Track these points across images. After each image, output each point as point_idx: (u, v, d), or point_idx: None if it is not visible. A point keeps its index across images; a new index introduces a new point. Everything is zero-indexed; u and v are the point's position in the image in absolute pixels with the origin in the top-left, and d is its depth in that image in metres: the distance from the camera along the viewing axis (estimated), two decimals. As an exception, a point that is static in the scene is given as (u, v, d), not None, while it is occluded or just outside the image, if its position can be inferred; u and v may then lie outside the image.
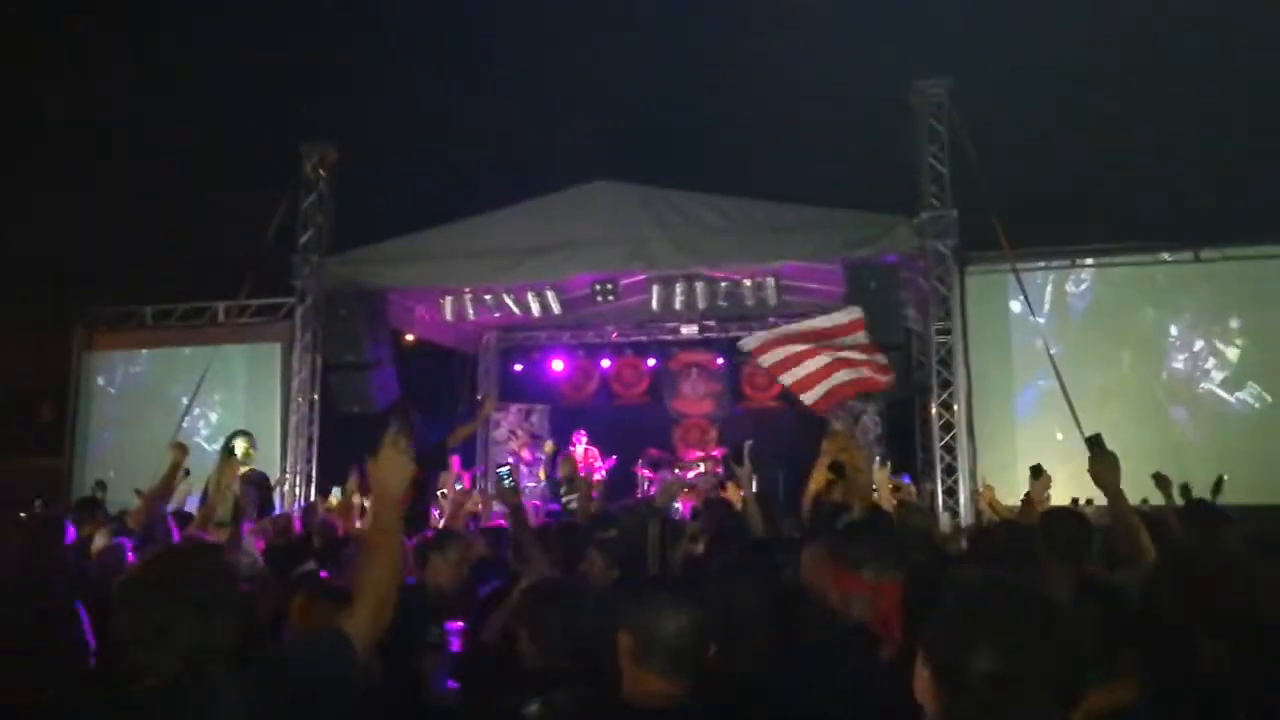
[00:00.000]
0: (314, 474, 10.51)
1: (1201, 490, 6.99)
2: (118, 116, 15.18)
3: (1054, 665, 1.30)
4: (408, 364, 11.39)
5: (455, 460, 10.06)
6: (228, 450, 7.55)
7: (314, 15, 16.13)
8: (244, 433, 7.77)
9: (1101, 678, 2.33)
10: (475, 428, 6.95)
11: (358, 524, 6.66)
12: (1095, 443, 3.34)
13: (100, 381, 12.03)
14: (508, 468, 11.83)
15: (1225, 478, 6.99)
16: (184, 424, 10.81)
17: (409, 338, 12.16)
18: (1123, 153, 12.54)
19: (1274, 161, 11.89)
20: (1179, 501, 7.26)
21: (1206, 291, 9.47)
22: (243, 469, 7.38)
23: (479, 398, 12.52)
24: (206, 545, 4.05)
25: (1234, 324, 9.36)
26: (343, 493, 7.92)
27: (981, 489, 8.48)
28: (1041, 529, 3.34)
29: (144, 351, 12.02)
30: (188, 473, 5.78)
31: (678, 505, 11.30)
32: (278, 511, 8.15)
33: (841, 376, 7.03)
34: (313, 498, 9.67)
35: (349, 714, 1.91)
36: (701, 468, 12.85)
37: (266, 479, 9.15)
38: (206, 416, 11.55)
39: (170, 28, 16.09)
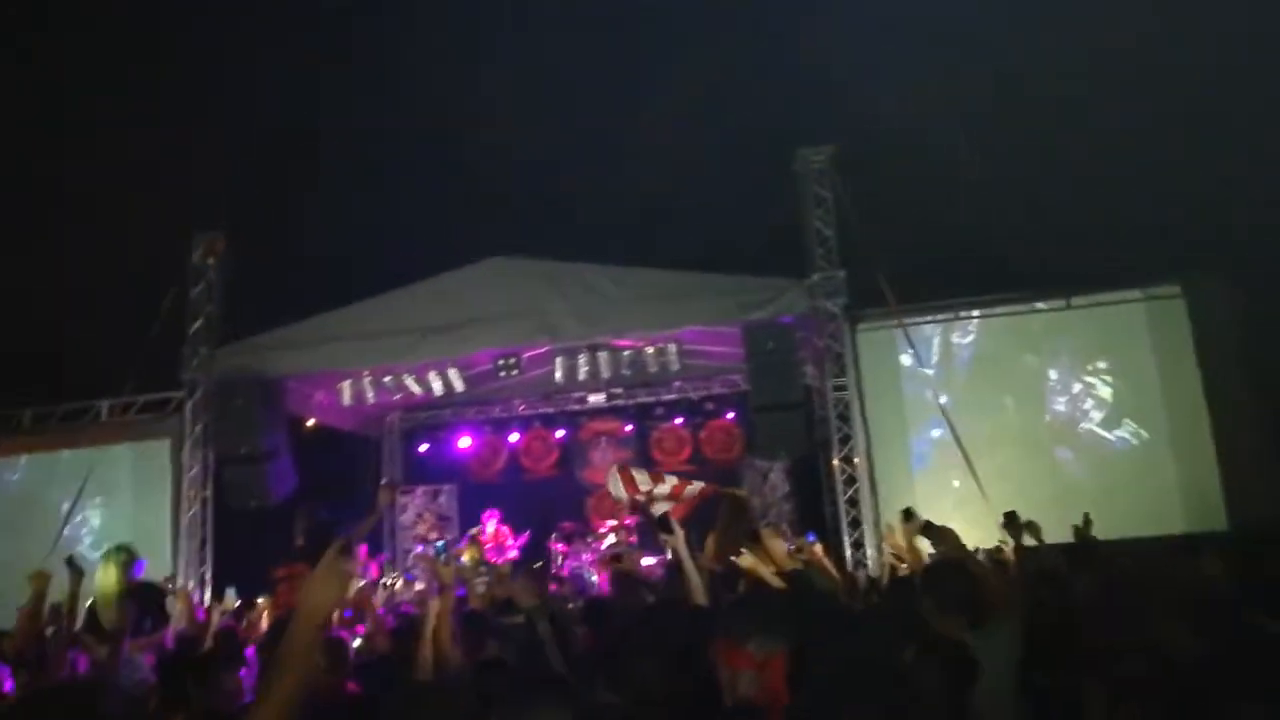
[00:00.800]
0: (209, 576, 10.01)
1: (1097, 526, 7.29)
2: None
3: None
4: (307, 451, 11.05)
5: (361, 550, 9.75)
6: (106, 559, 7.14)
7: (201, 99, 15.89)
8: (119, 548, 7.33)
9: None
10: (374, 520, 6.76)
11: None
12: (908, 515, 3.52)
13: (-26, 491, 11.28)
14: (443, 542, 11.50)
15: (1088, 515, 7.34)
16: (65, 531, 10.24)
17: (309, 423, 11.83)
18: (996, 207, 13.26)
19: (1133, 213, 12.76)
20: (1032, 541, 7.53)
21: (1080, 336, 10.00)
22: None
23: (382, 483, 12.21)
24: (74, 687, 3.79)
25: (1105, 365, 9.90)
26: (235, 594, 7.59)
27: (885, 533, 8.66)
28: (924, 585, 3.42)
29: (23, 457, 11.35)
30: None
31: (594, 579, 11.19)
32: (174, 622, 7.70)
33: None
34: (208, 601, 9.19)
35: None
36: (614, 538, 12.75)
37: (152, 589, 8.63)
38: (89, 522, 10.93)
39: (45, 112, 15.59)
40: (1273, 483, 9.13)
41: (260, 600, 7.45)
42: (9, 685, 4.78)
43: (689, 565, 4.29)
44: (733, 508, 6.45)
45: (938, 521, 7.15)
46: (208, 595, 9.86)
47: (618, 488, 7.23)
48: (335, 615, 2.10)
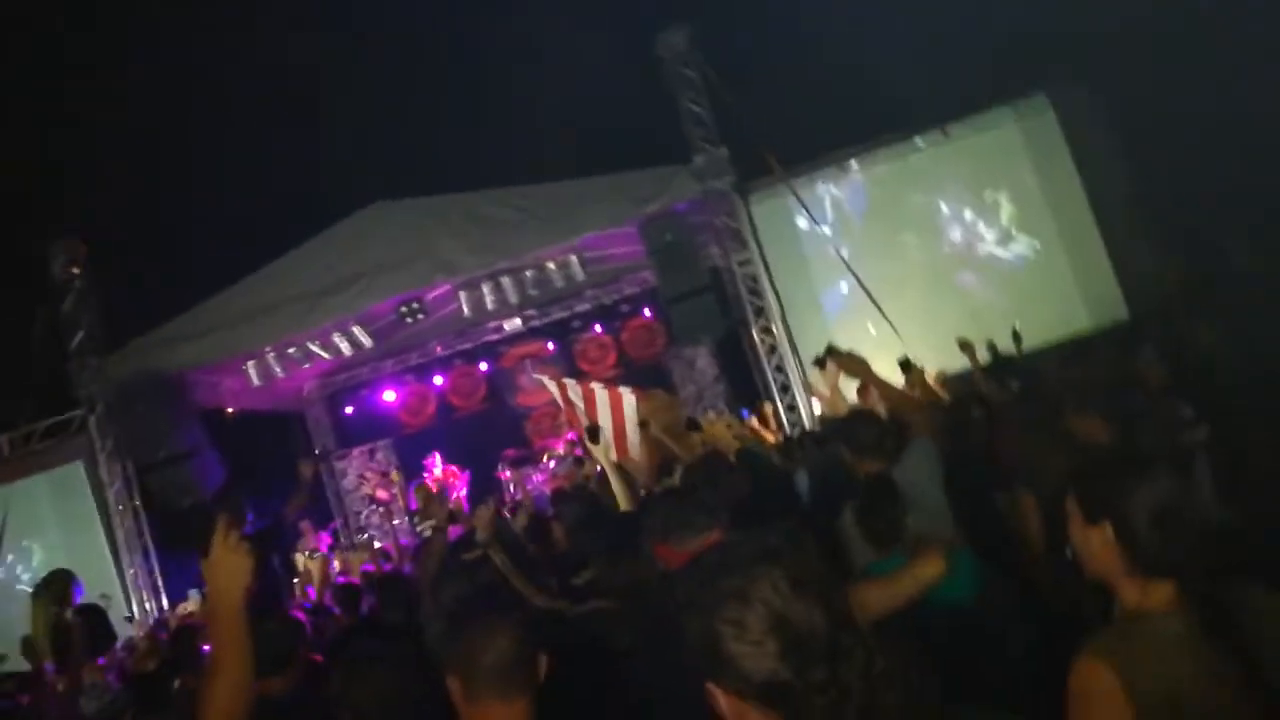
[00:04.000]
0: (159, 584, 9.82)
1: (1006, 343, 7.59)
2: None
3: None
4: (233, 439, 10.77)
5: (305, 525, 9.65)
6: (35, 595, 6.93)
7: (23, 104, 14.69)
8: (48, 581, 7.06)
9: (904, 559, 2.51)
10: (302, 497, 6.64)
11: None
12: (830, 353, 3.63)
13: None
14: (419, 481, 11.35)
15: (1017, 326, 7.61)
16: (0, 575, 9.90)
17: (229, 411, 11.49)
18: (855, 54, 13.15)
19: (991, 29, 12.81)
20: (985, 361, 7.88)
21: (962, 164, 10.19)
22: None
23: (300, 462, 11.98)
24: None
25: (991, 188, 10.15)
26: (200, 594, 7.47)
27: (812, 386, 8.90)
28: (840, 437, 3.54)
29: (-68, 511, 10.80)
30: None
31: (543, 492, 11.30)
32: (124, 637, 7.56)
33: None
34: (164, 610, 9.06)
35: None
36: (561, 451, 12.83)
37: (94, 607, 8.43)
38: (25, 560, 10.56)
39: None
40: (1161, 264, 9.60)
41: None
42: None
43: (611, 471, 4.38)
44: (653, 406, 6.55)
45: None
46: (164, 603, 9.70)
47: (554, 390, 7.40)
48: (246, 593, 2.04)
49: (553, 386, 7.55)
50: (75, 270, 9.86)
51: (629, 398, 6.74)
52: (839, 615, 1.12)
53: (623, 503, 4.70)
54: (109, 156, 13.48)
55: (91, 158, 13.43)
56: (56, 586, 6.16)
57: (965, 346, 7.39)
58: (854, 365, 3.94)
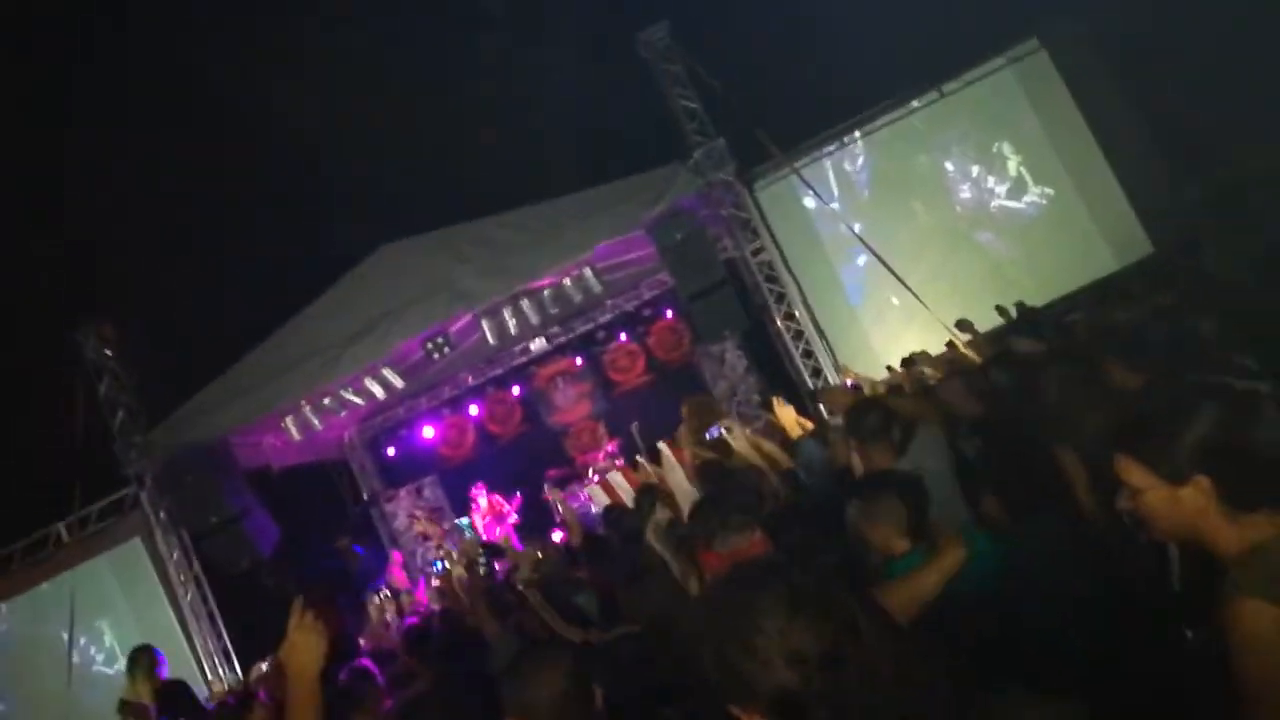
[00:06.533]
0: (229, 649, 9.98)
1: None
2: None
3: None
4: (281, 495, 10.91)
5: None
6: (129, 672, 7.10)
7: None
8: (136, 655, 7.23)
9: (924, 554, 2.47)
10: (355, 564, 6.76)
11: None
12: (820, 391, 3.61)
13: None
14: (466, 520, 11.49)
15: (1022, 301, 7.60)
16: (74, 659, 10.09)
17: (274, 468, 11.64)
18: (834, 26, 13.02)
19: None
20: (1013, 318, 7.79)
21: (963, 121, 10.08)
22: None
23: (365, 498, 12.16)
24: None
25: (995, 140, 10.02)
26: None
27: (840, 375, 8.85)
28: (847, 426, 3.50)
29: (2, 606, 11.08)
30: None
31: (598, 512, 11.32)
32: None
33: None
34: (239, 676, 9.20)
35: None
36: (603, 464, 12.84)
37: (181, 686, 8.58)
38: (98, 641, 10.80)
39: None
40: (1178, 195, 9.40)
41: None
42: None
43: (673, 483, 4.37)
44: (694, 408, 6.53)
45: (887, 346, 7.24)
46: (237, 667, 9.85)
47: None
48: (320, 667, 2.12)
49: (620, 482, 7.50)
50: (108, 352, 10.07)
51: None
52: (841, 627, 1.19)
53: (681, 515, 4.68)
54: (116, 233, 13.71)
55: (94, 238, 13.65)
56: (145, 660, 6.29)
57: (1002, 311, 7.36)
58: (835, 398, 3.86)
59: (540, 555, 4.30)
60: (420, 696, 3.23)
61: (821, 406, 4.73)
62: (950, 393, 3.58)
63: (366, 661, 5.42)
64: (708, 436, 7.10)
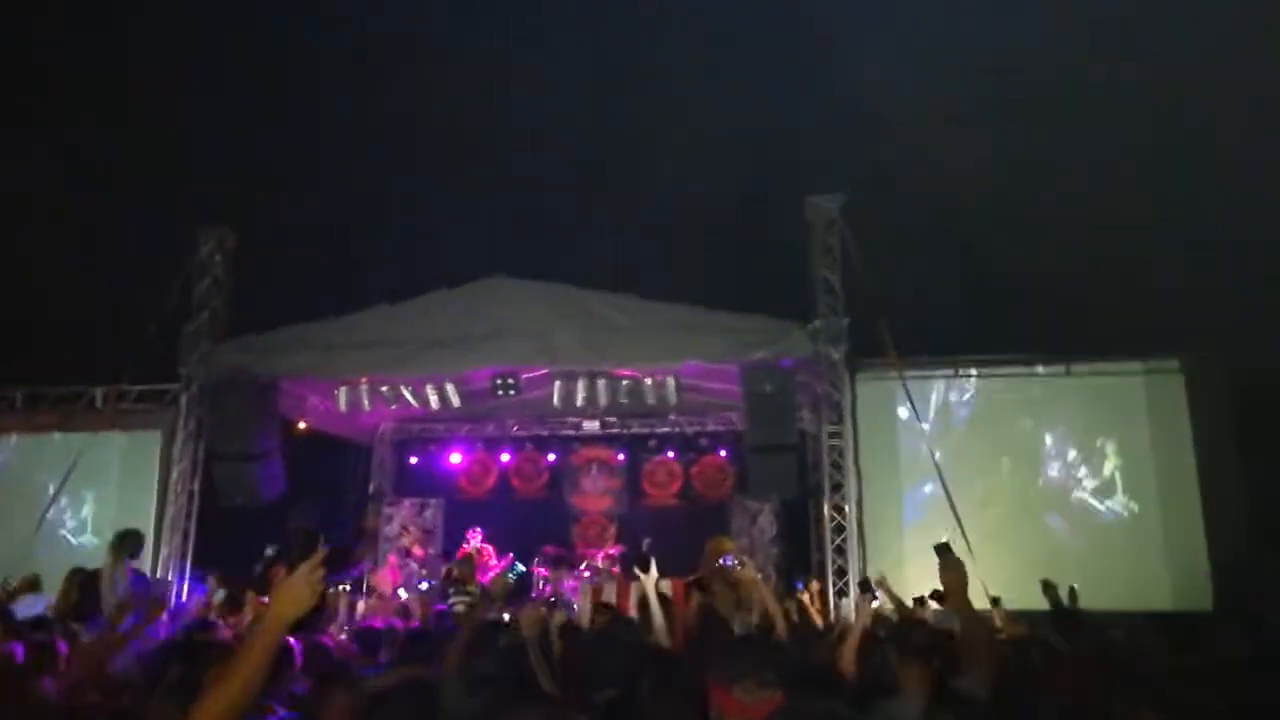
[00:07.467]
0: (185, 570, 9.96)
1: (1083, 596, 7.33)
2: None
3: None
4: (297, 453, 11.00)
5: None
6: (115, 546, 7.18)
7: (222, 100, 16.01)
8: (131, 536, 7.34)
9: None
10: (371, 542, 6.78)
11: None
12: (944, 550, 3.50)
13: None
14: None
15: (1075, 588, 7.40)
16: (49, 514, 10.20)
17: (301, 425, 11.79)
18: (1001, 268, 13.34)
19: (1134, 283, 12.84)
20: (1065, 604, 7.56)
21: (1077, 404, 10.01)
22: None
23: (369, 491, 12.18)
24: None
25: (1102, 435, 9.91)
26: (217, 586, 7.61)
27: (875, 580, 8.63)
28: (895, 638, 3.43)
29: (13, 437, 11.32)
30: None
31: (575, 605, 11.11)
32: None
33: None
34: (184, 594, 9.18)
35: None
36: (600, 564, 12.66)
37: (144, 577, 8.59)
38: (76, 507, 10.89)
39: (63, 100, 15.69)
40: (1258, 567, 9.10)
41: (249, 600, 7.44)
42: None
43: (655, 606, 4.32)
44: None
45: (921, 578, 7.12)
46: (185, 589, 9.80)
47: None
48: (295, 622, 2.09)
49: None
50: (219, 258, 10.47)
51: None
52: None
53: (660, 635, 4.60)
54: (279, 164, 14.47)
55: (263, 160, 14.43)
56: (130, 545, 6.37)
57: (1049, 588, 7.15)
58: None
59: (540, 619, 4.23)
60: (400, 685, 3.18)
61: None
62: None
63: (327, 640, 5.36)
64: (719, 563, 7.01)
